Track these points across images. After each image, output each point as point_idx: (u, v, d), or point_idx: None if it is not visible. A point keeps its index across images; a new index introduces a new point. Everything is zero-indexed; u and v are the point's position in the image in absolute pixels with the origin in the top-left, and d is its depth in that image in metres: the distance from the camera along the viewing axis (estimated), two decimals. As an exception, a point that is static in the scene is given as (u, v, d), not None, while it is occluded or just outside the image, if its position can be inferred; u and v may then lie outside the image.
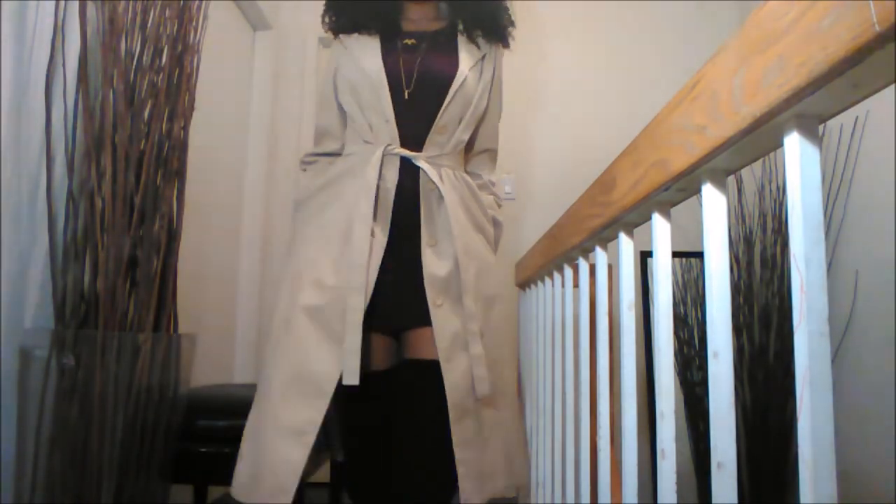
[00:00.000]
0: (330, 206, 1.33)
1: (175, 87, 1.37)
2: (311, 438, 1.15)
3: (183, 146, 1.39)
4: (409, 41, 1.40)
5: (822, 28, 0.32)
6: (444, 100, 1.33)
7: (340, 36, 1.44)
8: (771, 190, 2.53)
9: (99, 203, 1.23)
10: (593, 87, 2.87)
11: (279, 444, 1.15)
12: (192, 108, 1.42)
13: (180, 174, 1.38)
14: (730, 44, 0.44)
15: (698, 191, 0.56)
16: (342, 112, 1.42)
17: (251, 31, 2.78)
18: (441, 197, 1.28)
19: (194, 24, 1.43)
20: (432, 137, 1.33)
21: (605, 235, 0.85)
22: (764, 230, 2.47)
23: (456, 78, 1.34)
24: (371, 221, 1.23)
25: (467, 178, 1.40)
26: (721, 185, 0.52)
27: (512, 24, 1.58)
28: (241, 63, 2.67)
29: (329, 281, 1.23)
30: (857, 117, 2.13)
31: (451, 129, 1.36)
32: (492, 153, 1.53)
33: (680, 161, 0.52)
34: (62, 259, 1.23)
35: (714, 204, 0.52)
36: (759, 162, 2.68)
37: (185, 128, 1.40)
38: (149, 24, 1.35)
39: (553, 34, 2.91)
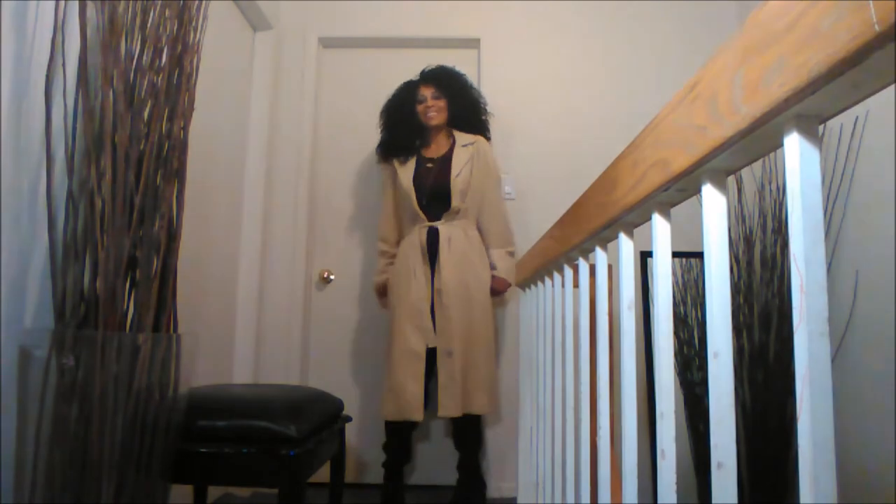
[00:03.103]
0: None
1: (175, 87, 1.37)
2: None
3: (183, 146, 1.39)
4: (428, 165, 2.48)
5: (822, 28, 0.32)
6: (450, 196, 2.41)
7: (392, 160, 2.53)
8: (771, 190, 2.53)
9: (99, 203, 1.23)
10: (593, 87, 2.87)
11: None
12: (192, 108, 1.42)
13: (180, 174, 1.38)
14: (730, 44, 0.44)
15: (698, 191, 0.56)
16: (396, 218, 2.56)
17: (251, 31, 2.78)
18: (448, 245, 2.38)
19: (194, 24, 1.43)
20: (448, 216, 2.42)
21: (605, 235, 0.85)
22: (764, 230, 2.47)
23: (451, 183, 2.40)
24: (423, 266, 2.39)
25: (474, 234, 2.46)
26: (721, 185, 0.52)
27: (488, 115, 2.62)
28: (241, 63, 2.67)
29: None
30: (857, 117, 2.13)
31: (460, 209, 2.42)
32: (496, 220, 2.52)
33: (680, 161, 0.52)
34: (62, 259, 1.23)
35: (714, 204, 0.52)
36: (759, 162, 2.68)
37: (185, 128, 1.40)
38: (149, 24, 1.35)
39: (553, 34, 2.91)
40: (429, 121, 2.47)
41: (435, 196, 2.42)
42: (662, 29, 2.89)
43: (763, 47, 0.39)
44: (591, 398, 1.00)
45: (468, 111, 2.54)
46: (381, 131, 2.59)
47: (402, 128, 2.51)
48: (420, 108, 2.48)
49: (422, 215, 2.41)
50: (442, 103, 2.48)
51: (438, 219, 2.40)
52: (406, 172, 2.46)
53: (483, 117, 2.58)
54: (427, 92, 2.48)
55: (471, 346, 2.31)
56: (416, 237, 2.39)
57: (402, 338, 2.29)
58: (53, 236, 1.24)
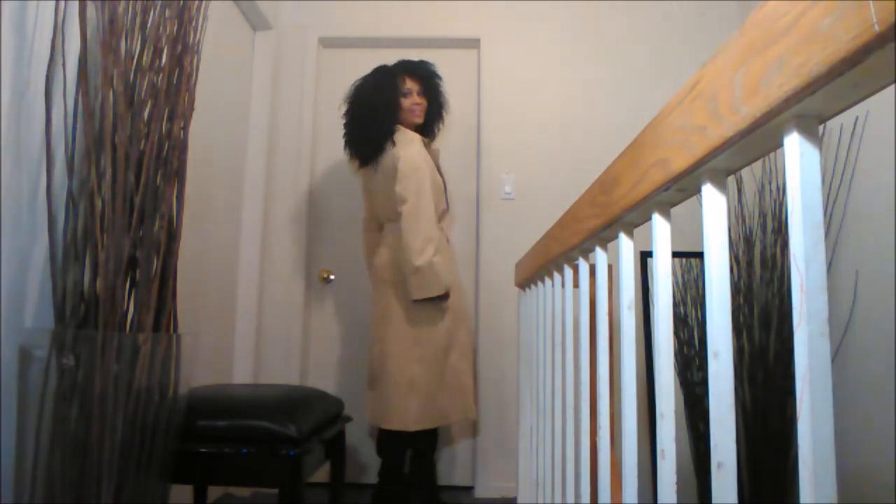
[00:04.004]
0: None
1: (175, 87, 1.37)
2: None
3: (183, 146, 1.39)
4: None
5: (822, 28, 0.32)
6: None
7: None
8: (771, 190, 2.53)
9: (99, 203, 1.23)
10: (593, 87, 2.87)
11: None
12: (192, 108, 1.42)
13: (180, 174, 1.38)
14: (730, 44, 0.44)
15: (698, 191, 0.56)
16: None
17: (251, 31, 2.78)
18: None
19: (194, 24, 1.43)
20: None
21: (605, 235, 0.85)
22: (764, 230, 2.47)
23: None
24: None
25: None
26: (721, 185, 0.52)
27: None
28: (241, 63, 2.67)
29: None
30: (857, 117, 2.13)
31: None
32: None
33: (680, 161, 0.52)
34: (62, 259, 1.23)
35: (714, 204, 0.52)
36: (759, 162, 2.68)
37: (185, 128, 1.40)
38: (149, 24, 1.35)
39: (553, 34, 2.91)
40: (414, 118, 2.34)
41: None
42: (663, 29, 2.89)
43: (763, 47, 0.39)
44: (591, 398, 1.00)
45: (435, 118, 2.44)
46: (357, 117, 2.30)
47: (385, 115, 2.26)
48: (406, 102, 2.31)
49: (447, 213, 2.40)
50: (425, 103, 2.37)
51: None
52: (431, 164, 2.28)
53: (438, 127, 2.49)
54: (413, 87, 2.33)
55: None
56: (444, 238, 2.32)
57: (466, 338, 2.30)
58: (53, 236, 1.24)
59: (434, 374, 2.17)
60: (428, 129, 2.46)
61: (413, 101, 2.33)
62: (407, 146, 2.23)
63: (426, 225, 2.10)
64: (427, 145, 2.37)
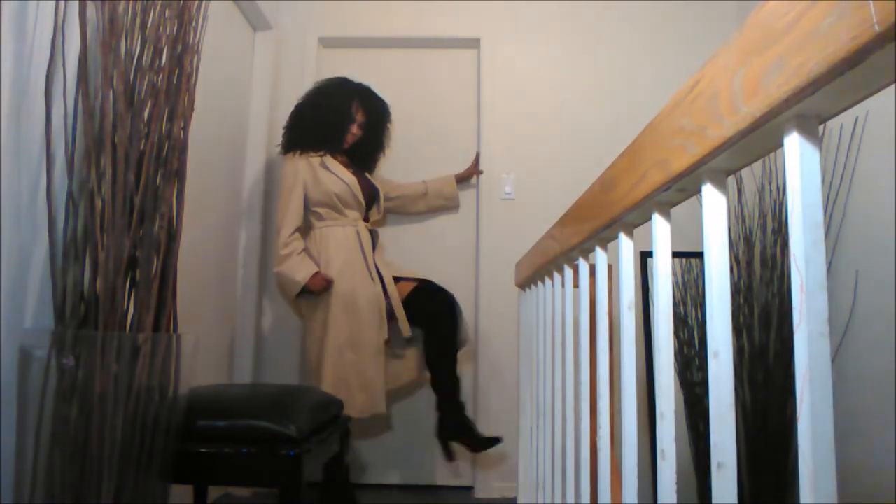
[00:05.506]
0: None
1: (175, 88, 1.37)
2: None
3: (183, 146, 1.39)
4: (349, 167, 2.50)
5: (822, 28, 0.32)
6: (379, 202, 2.59)
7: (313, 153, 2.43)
8: (771, 190, 2.53)
9: (99, 203, 1.23)
10: (593, 87, 2.87)
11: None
12: (192, 108, 1.42)
13: (180, 174, 1.38)
14: (730, 44, 0.44)
15: (698, 191, 0.56)
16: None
17: (251, 31, 2.78)
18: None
19: (194, 24, 1.43)
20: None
21: (605, 235, 0.85)
22: (764, 230, 2.47)
23: (381, 192, 2.62)
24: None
25: None
26: (721, 185, 0.52)
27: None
28: (241, 63, 2.67)
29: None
30: (857, 117, 2.13)
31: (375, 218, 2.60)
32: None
33: (680, 161, 0.52)
34: (62, 259, 1.23)
35: (714, 204, 0.52)
36: (759, 162, 2.69)
37: (185, 128, 1.40)
38: (149, 24, 1.35)
39: (553, 34, 2.91)
40: (344, 142, 2.46)
41: (373, 198, 2.49)
42: (663, 29, 2.89)
43: (763, 47, 0.39)
44: (591, 398, 1.00)
45: (370, 154, 2.56)
46: (305, 118, 2.44)
47: (332, 127, 2.43)
48: (349, 125, 2.45)
49: (362, 213, 2.44)
50: (360, 135, 2.48)
51: (367, 221, 2.47)
52: (338, 167, 2.41)
53: (371, 159, 2.60)
54: (359, 117, 2.45)
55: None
56: (353, 233, 2.37)
57: (370, 332, 2.27)
58: (53, 236, 1.24)
59: (309, 364, 2.33)
60: (357, 157, 2.54)
61: (352, 133, 2.46)
62: (282, 166, 2.42)
63: (278, 237, 2.32)
64: (330, 155, 2.43)
